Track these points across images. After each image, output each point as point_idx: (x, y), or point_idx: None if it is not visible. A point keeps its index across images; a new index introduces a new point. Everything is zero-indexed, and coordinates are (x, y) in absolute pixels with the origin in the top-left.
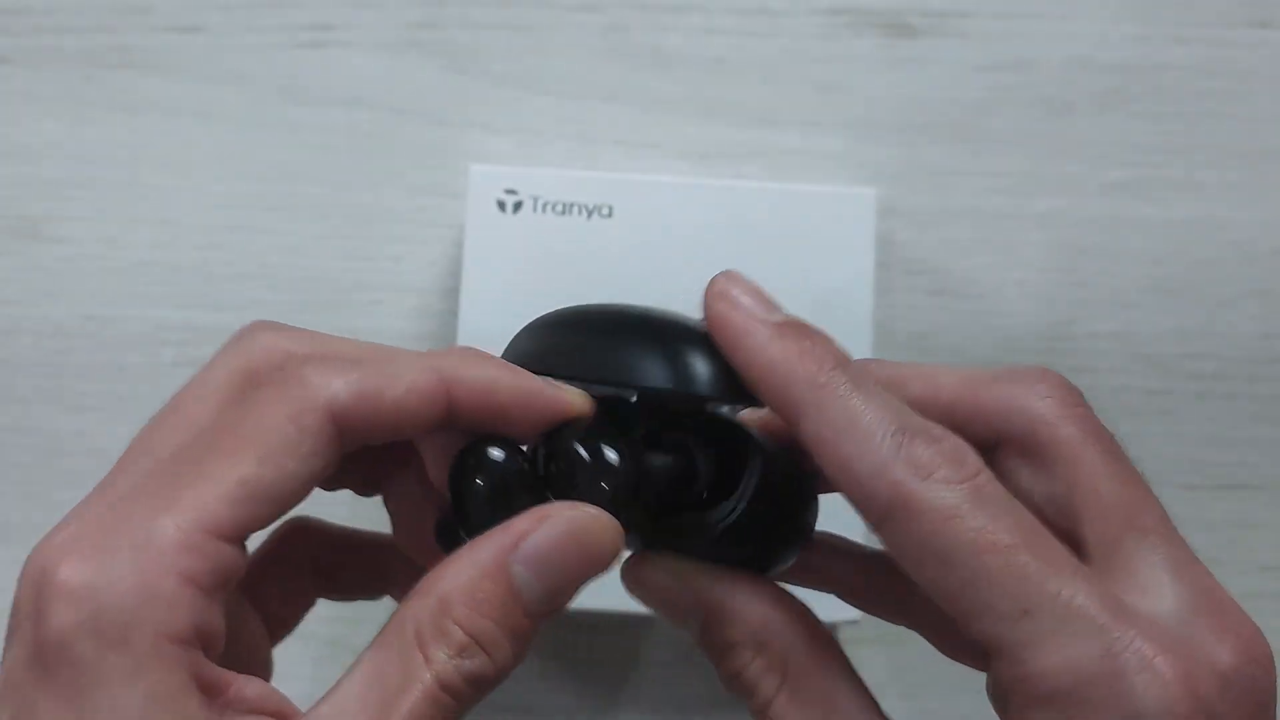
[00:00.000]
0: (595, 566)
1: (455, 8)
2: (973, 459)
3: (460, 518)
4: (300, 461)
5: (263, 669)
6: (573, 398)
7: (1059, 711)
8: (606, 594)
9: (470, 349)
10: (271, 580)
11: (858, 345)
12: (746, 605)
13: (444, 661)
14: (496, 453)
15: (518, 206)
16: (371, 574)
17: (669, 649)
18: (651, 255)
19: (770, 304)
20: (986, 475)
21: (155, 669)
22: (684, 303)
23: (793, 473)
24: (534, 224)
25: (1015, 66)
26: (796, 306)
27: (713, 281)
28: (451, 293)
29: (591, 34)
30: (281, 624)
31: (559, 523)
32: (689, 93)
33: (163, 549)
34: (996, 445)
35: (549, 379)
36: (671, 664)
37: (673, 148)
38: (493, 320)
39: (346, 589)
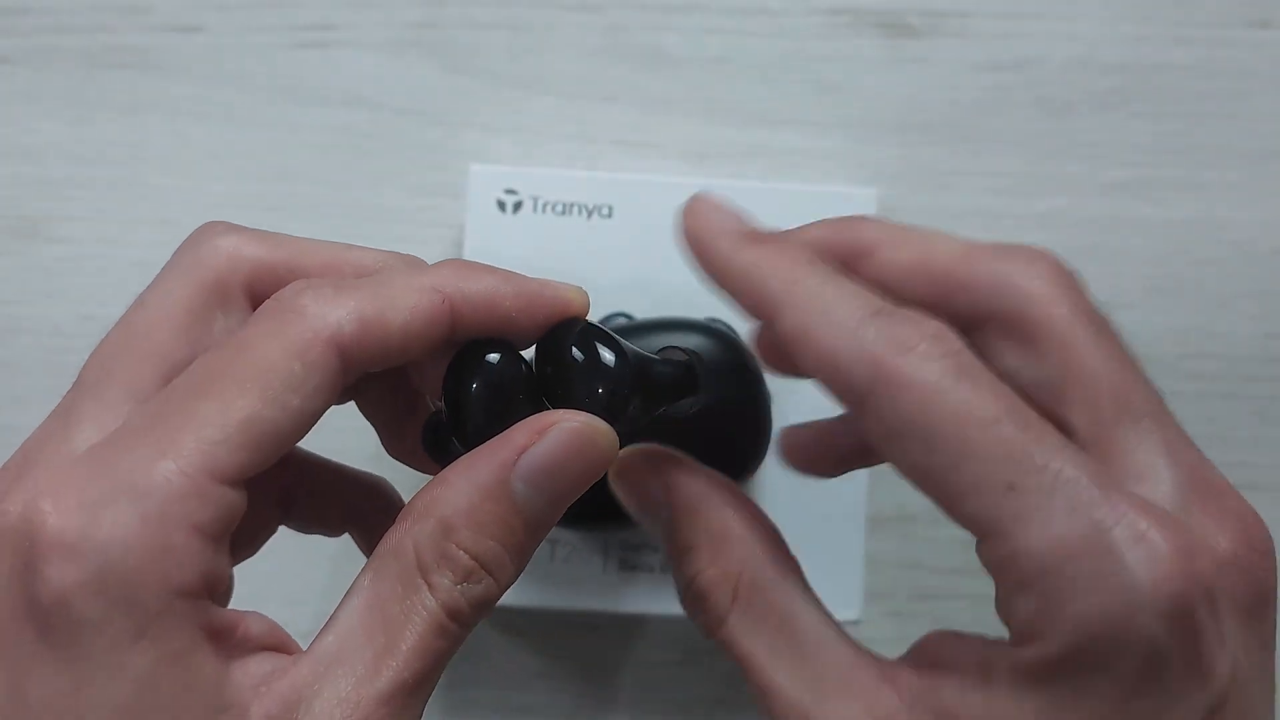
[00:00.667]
0: (593, 475)
1: (455, 8)
2: (952, 336)
3: (456, 426)
4: (305, 398)
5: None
6: (573, 293)
7: (1046, 592)
8: (607, 595)
9: (459, 260)
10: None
11: None
12: (710, 507)
13: (449, 588)
14: (494, 356)
15: (518, 206)
16: (335, 508)
17: (669, 649)
18: (651, 255)
19: (740, 216)
20: (967, 351)
21: (165, 628)
22: (684, 303)
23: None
24: (534, 224)
25: (1015, 66)
26: None
27: (686, 203)
28: None
29: (591, 34)
30: (243, 546)
31: (559, 434)
32: (689, 93)
33: (168, 497)
34: (985, 322)
35: (543, 279)
36: (671, 664)
37: (673, 148)
38: None
39: (307, 520)
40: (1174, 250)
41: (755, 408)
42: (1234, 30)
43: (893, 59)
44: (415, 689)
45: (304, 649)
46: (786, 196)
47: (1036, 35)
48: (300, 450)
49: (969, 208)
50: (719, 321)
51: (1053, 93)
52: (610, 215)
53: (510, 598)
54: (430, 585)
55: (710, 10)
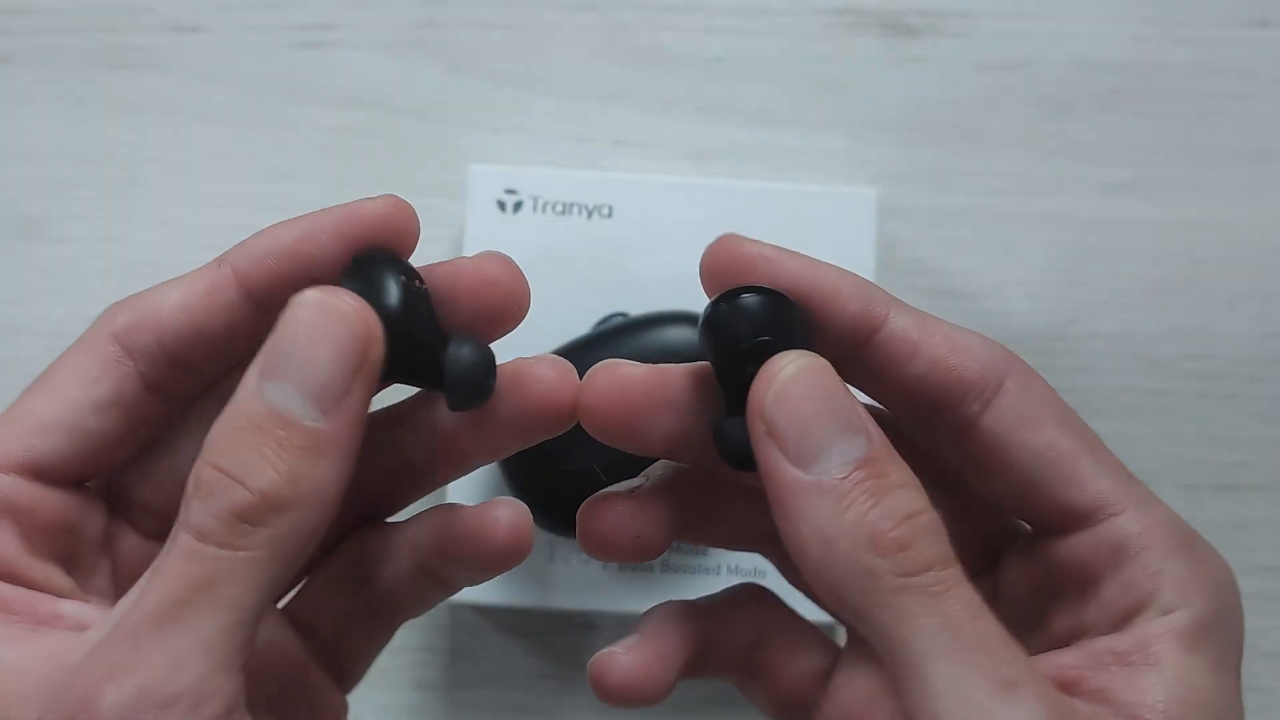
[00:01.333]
0: (353, 351)
1: (455, 7)
2: None
3: None
4: (84, 388)
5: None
6: (375, 204)
7: (1194, 560)
8: (607, 595)
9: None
10: (332, 614)
11: None
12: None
13: (194, 510)
14: (360, 277)
15: (518, 206)
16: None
17: None
18: (651, 255)
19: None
20: None
21: None
22: (684, 302)
23: None
24: (534, 224)
25: (1015, 66)
26: None
27: (715, 244)
28: None
29: (591, 34)
30: (356, 661)
31: (288, 314)
32: (689, 93)
33: None
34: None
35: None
36: None
37: (673, 148)
38: None
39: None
40: (1174, 250)
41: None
42: (1234, 30)
43: (893, 59)
44: (163, 622)
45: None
46: (786, 196)
47: (1036, 35)
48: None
49: (969, 207)
50: None
51: (1053, 92)
52: (610, 215)
53: (510, 598)
54: (186, 512)
55: (710, 10)
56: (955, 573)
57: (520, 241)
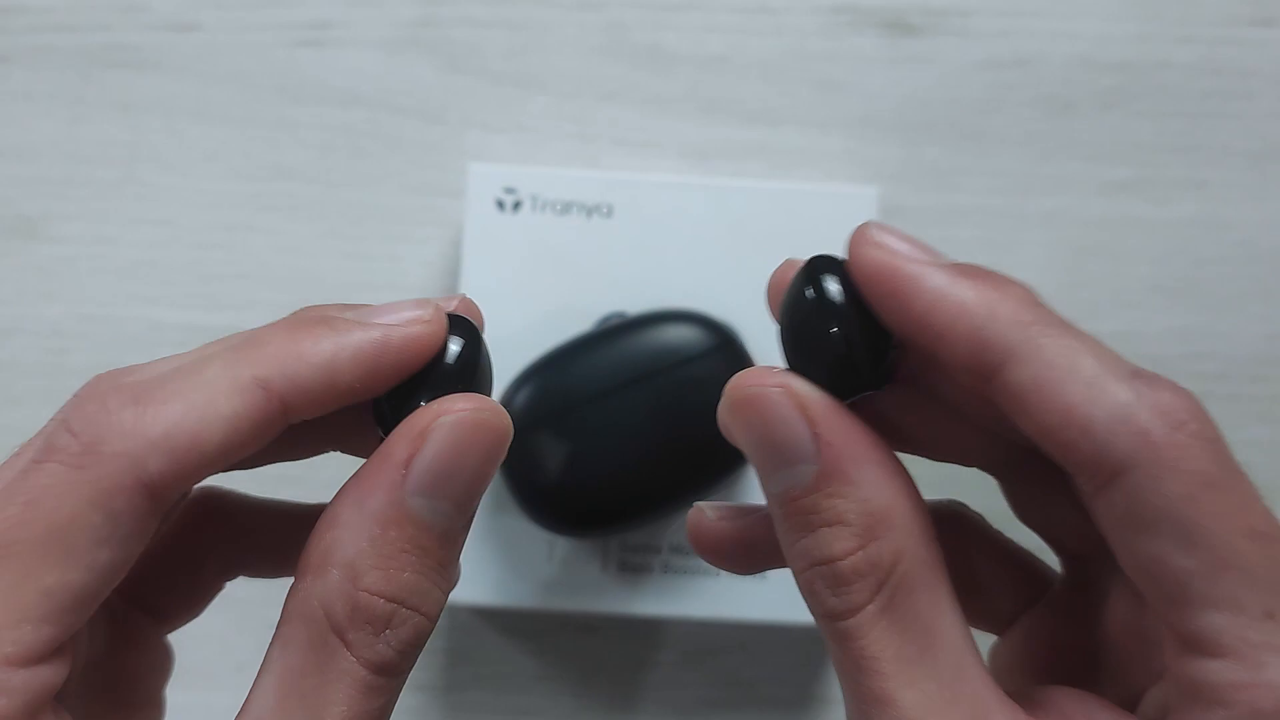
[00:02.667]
0: (497, 459)
1: (454, 6)
2: (1209, 417)
3: (380, 421)
4: (114, 550)
5: (155, 674)
6: (420, 329)
7: None
8: (606, 596)
9: (294, 322)
10: (173, 569)
11: None
12: (873, 477)
13: (370, 643)
14: (454, 346)
15: (517, 206)
16: (290, 551)
17: (669, 651)
18: (651, 255)
19: (932, 250)
20: (1223, 439)
21: None
22: (684, 302)
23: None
24: (533, 223)
25: (1016, 65)
26: None
27: (860, 231)
28: (450, 293)
29: (591, 32)
30: (180, 613)
31: (443, 432)
32: (689, 92)
33: None
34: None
35: (391, 318)
36: (671, 666)
37: (673, 147)
38: (492, 320)
39: (261, 569)
40: (1175, 250)
41: None
42: (1236, 29)
43: (893, 58)
44: None
45: None
46: (786, 196)
47: (1037, 34)
48: (241, 497)
49: (970, 207)
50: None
51: (1054, 91)
52: (610, 215)
53: (509, 600)
54: (348, 644)
55: (710, 9)
56: (872, 616)
57: (519, 241)
